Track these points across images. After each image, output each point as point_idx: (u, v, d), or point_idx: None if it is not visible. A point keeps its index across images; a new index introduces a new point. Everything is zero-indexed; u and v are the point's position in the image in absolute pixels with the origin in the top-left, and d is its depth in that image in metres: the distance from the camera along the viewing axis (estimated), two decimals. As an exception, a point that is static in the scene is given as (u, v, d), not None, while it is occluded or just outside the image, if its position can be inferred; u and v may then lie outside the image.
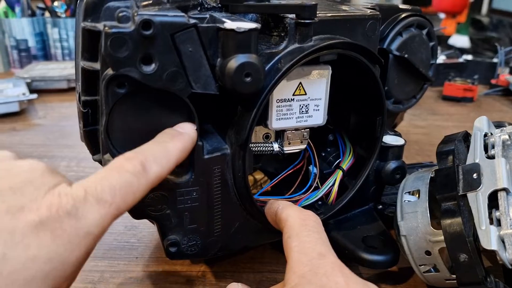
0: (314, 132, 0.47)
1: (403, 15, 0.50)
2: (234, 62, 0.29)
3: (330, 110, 0.47)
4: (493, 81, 1.05)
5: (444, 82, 1.00)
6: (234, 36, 0.28)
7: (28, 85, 0.89)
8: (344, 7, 0.39)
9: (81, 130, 0.35)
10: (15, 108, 0.81)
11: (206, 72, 0.30)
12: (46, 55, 1.11)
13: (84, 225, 0.23)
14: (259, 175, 0.51)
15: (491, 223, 0.32)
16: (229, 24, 0.29)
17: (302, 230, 0.30)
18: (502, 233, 0.32)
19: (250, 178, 0.49)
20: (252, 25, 0.29)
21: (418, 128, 0.83)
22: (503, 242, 0.32)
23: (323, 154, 0.49)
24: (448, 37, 1.41)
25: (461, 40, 1.36)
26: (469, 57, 1.13)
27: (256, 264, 0.44)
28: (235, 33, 0.28)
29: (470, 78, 1.01)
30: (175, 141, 0.30)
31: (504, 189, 0.33)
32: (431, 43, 0.56)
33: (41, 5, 1.11)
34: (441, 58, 1.11)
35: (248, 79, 0.29)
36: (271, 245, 0.46)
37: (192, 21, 0.29)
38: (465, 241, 0.33)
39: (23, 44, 1.06)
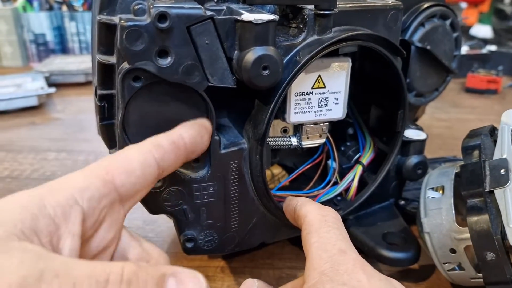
0: (334, 125, 0.46)
1: (425, 5, 0.49)
2: (252, 55, 0.28)
3: (351, 102, 0.46)
4: (518, 73, 1.02)
5: (467, 73, 0.98)
6: (252, 28, 0.28)
7: (47, 79, 0.90)
8: (365, -3, 0.37)
9: (98, 124, 0.35)
10: (34, 102, 0.82)
11: (223, 65, 0.29)
12: (64, 49, 1.12)
13: None
14: (277, 170, 0.50)
15: (519, 220, 0.31)
16: (247, 16, 0.28)
17: (321, 226, 0.29)
18: (532, 230, 0.30)
19: (268, 172, 0.48)
20: (270, 16, 0.28)
21: (441, 122, 0.81)
22: (532, 240, 0.30)
23: (343, 148, 0.48)
24: (470, 27, 1.37)
25: (483, 30, 1.32)
26: (493, 47, 1.10)
27: (275, 260, 0.44)
28: (252, 25, 0.28)
29: (494, 69, 0.98)
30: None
31: (532, 186, 0.32)
32: (455, 34, 0.54)
33: (59, -1, 1.12)
34: (464, 49, 1.08)
35: (266, 72, 0.28)
36: (290, 241, 0.45)
37: (209, 13, 0.28)
38: (492, 239, 0.32)
39: (41, 38, 1.07)
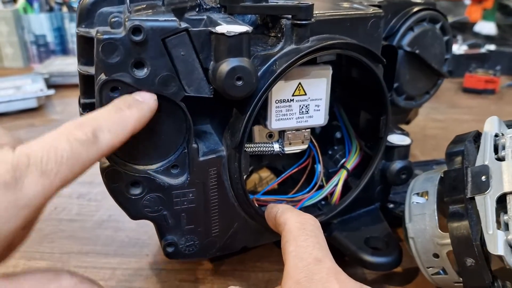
0: (322, 129, 0.47)
1: (415, 9, 0.49)
2: (226, 66, 0.28)
3: (340, 106, 0.46)
4: (517, 72, 1.01)
5: (465, 73, 0.97)
6: (225, 40, 0.28)
7: (46, 80, 0.91)
8: (346, 4, 0.38)
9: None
10: (33, 104, 0.83)
11: (199, 75, 0.30)
12: (64, 49, 1.13)
13: (23, 197, 0.22)
14: (265, 173, 0.51)
15: (499, 227, 0.31)
16: (220, 28, 0.28)
17: (299, 235, 0.30)
18: (510, 237, 0.31)
19: (256, 176, 0.49)
20: (243, 28, 0.28)
21: (436, 122, 0.81)
22: (511, 247, 0.31)
23: (330, 152, 0.48)
24: (474, 24, 1.35)
25: (487, 27, 1.30)
26: (492, 47, 1.09)
27: (265, 263, 0.44)
28: (226, 37, 0.28)
29: (492, 69, 0.97)
30: (133, 109, 0.28)
31: (512, 193, 0.32)
32: (446, 37, 0.54)
33: (59, 0, 1.12)
34: (462, 49, 1.07)
35: (240, 83, 0.29)
36: (279, 244, 0.46)
37: (184, 25, 0.28)
38: (472, 246, 0.32)
39: (41, 39, 1.08)
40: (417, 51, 0.50)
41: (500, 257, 0.31)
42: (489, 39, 1.18)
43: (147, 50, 0.28)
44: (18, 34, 1.06)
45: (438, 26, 0.52)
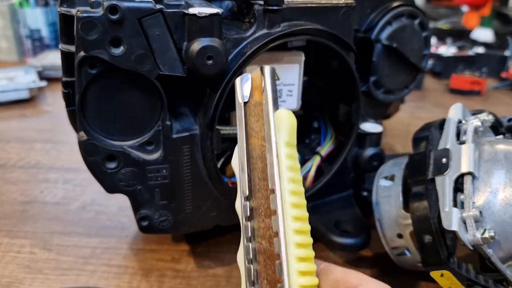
0: (300, 119, 0.48)
1: (393, 5, 0.51)
2: (197, 45, 0.30)
3: (321, 97, 0.47)
4: (503, 75, 1.03)
5: (452, 74, 0.99)
6: (197, 20, 0.30)
7: (40, 73, 0.92)
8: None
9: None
10: (25, 95, 0.85)
11: (173, 55, 0.32)
12: (58, 44, 1.15)
13: None
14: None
15: (455, 205, 0.33)
16: (192, 9, 0.30)
17: None
18: (465, 215, 0.32)
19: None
20: (214, 10, 0.30)
21: (420, 120, 0.81)
22: (465, 224, 0.32)
23: (307, 141, 0.50)
24: (471, 30, 1.37)
25: (484, 34, 1.32)
26: (479, 49, 1.11)
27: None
28: (197, 18, 0.30)
29: (479, 71, 0.99)
30: None
31: (469, 173, 0.34)
32: (424, 33, 0.56)
33: (54, -5, 1.15)
34: (451, 51, 1.09)
35: (210, 61, 0.31)
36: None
37: (158, 6, 0.30)
38: (430, 223, 0.34)
39: (36, 33, 1.10)
40: (395, 45, 0.52)
41: (454, 233, 0.32)
42: (487, 46, 1.19)
43: (124, 29, 0.30)
44: (13, 28, 1.08)
45: (416, 22, 0.54)
